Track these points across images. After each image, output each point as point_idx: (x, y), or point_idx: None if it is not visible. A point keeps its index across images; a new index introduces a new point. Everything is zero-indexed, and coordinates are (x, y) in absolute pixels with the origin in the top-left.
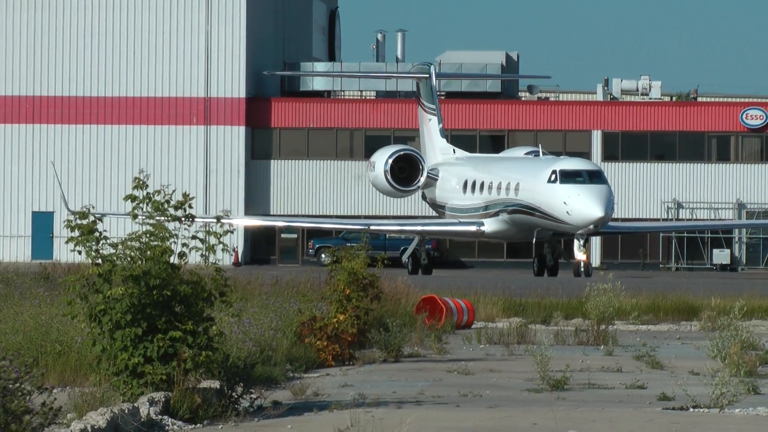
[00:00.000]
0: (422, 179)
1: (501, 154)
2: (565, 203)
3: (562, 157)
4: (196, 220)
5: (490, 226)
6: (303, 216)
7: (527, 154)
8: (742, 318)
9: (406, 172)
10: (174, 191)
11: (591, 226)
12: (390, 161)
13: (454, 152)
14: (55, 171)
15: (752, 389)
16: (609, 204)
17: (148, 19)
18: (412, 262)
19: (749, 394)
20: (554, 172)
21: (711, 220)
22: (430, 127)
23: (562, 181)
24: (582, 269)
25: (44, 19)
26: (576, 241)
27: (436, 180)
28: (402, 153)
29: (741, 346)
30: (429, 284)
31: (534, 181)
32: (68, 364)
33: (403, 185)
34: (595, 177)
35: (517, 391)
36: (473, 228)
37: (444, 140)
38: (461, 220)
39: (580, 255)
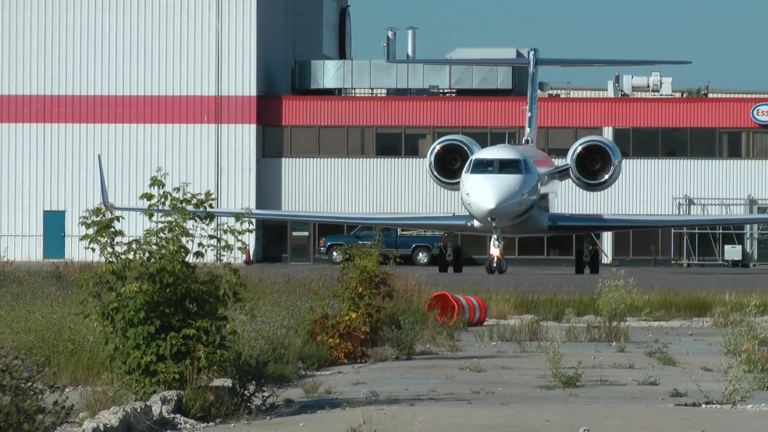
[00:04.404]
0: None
1: None
2: (467, 194)
3: (498, 144)
4: (215, 217)
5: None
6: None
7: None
8: (756, 314)
9: (457, 163)
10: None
11: (489, 219)
12: (437, 149)
13: (526, 143)
14: (101, 165)
15: (765, 385)
16: (511, 196)
17: (158, 18)
18: (439, 260)
19: (762, 390)
20: (471, 161)
21: (722, 216)
22: (525, 117)
23: (473, 171)
24: (494, 265)
25: (55, 19)
26: (493, 235)
27: None
28: (449, 143)
29: (754, 342)
30: (441, 281)
31: (465, 171)
32: (80, 362)
33: (452, 177)
34: (507, 166)
35: (530, 387)
36: (462, 222)
37: (529, 130)
38: (455, 213)
39: (493, 250)
